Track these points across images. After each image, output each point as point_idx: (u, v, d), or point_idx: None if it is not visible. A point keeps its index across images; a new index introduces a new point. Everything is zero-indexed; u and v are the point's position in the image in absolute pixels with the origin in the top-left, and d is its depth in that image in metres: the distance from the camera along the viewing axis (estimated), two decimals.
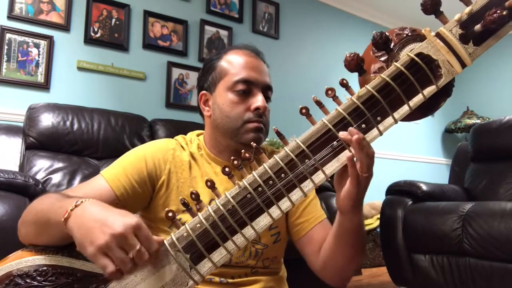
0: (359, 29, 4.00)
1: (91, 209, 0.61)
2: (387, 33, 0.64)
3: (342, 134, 0.62)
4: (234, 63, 0.92)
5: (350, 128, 0.61)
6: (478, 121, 4.17)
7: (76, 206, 0.62)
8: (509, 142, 2.29)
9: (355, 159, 0.63)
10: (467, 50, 0.59)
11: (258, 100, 0.88)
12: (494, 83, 4.45)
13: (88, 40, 2.55)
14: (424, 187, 2.07)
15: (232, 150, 0.91)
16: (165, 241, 0.63)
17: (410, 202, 2.03)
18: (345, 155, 0.63)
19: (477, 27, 0.58)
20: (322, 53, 3.73)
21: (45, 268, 0.64)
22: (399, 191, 2.11)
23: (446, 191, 2.21)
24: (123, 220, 0.57)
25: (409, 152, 4.22)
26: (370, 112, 0.62)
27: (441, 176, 4.18)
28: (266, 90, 0.93)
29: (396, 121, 0.62)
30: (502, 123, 2.35)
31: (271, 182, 0.63)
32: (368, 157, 0.63)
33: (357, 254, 0.82)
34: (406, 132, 4.10)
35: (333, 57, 3.75)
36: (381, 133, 0.62)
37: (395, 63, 0.62)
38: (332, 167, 0.63)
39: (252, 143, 0.66)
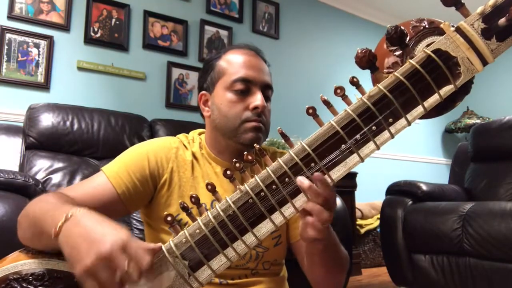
0: (359, 29, 3.99)
1: (81, 223, 0.58)
2: (402, 27, 0.59)
3: (299, 181, 0.59)
4: (233, 62, 0.90)
5: (315, 174, 0.58)
6: (478, 121, 4.17)
7: (66, 219, 0.59)
8: (509, 142, 2.29)
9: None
10: (490, 47, 0.55)
11: (257, 99, 0.86)
12: (494, 83, 4.45)
13: (88, 40, 2.55)
14: (424, 187, 2.07)
15: (232, 151, 0.90)
16: (163, 247, 0.61)
17: (410, 202, 2.03)
18: (353, 159, 0.59)
19: (502, 21, 0.53)
20: (322, 53, 3.73)
21: (41, 272, 0.62)
22: (399, 191, 2.12)
23: (446, 191, 2.21)
24: (111, 237, 0.54)
25: (409, 152, 4.22)
26: (382, 113, 0.57)
27: (441, 176, 4.18)
28: (266, 89, 0.90)
29: (409, 123, 0.58)
30: (502, 123, 2.35)
31: (274, 187, 0.59)
32: (327, 206, 0.60)
33: (331, 273, 0.81)
34: (406, 132, 4.06)
35: (333, 57, 3.75)
36: (392, 136, 0.58)
37: (410, 60, 0.57)
38: (339, 171, 0.60)
39: (255, 144, 0.64)
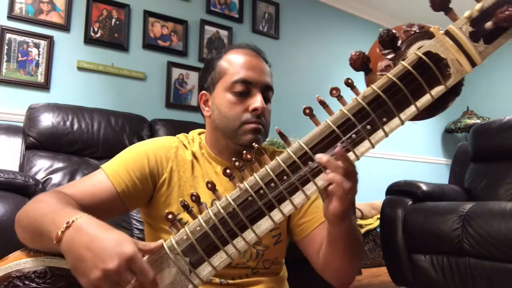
0: (359, 29, 3.99)
1: (83, 232, 0.58)
2: (394, 31, 0.62)
3: (318, 158, 0.61)
4: (233, 63, 0.90)
5: (337, 149, 0.60)
6: (478, 121, 4.17)
7: (67, 227, 0.59)
8: (509, 142, 2.29)
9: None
10: (478, 49, 0.57)
11: (256, 100, 0.87)
12: (494, 83, 4.45)
13: (88, 40, 2.55)
14: (424, 187, 2.07)
15: (232, 151, 0.90)
16: (164, 244, 0.62)
17: (410, 202, 2.03)
18: (349, 157, 0.61)
19: (488, 24, 0.56)
20: (322, 53, 3.73)
21: (43, 270, 0.63)
22: (399, 191, 2.12)
23: (446, 191, 2.21)
24: (116, 252, 0.54)
25: (409, 152, 4.22)
26: (376, 112, 0.60)
27: (441, 176, 4.18)
28: (266, 90, 0.91)
29: (402, 122, 0.60)
30: (502, 123, 2.35)
31: (273, 184, 0.61)
32: (348, 177, 0.62)
33: (351, 259, 0.81)
34: (406, 132, 4.09)
35: (333, 57, 3.75)
36: (386, 135, 0.60)
37: (402, 62, 0.60)
38: None
39: (254, 144, 0.65)
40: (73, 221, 0.59)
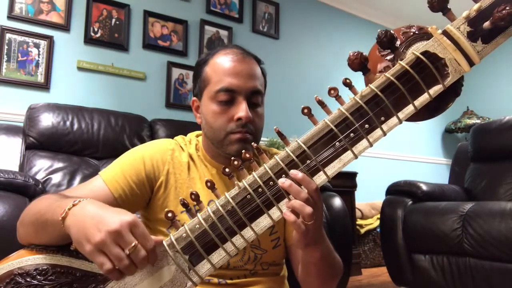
0: (359, 29, 3.99)
1: (88, 207, 0.61)
2: (392, 32, 0.62)
3: (280, 182, 0.60)
4: (216, 70, 0.87)
5: (291, 171, 0.61)
6: (478, 121, 4.17)
7: (73, 205, 0.62)
8: (509, 142, 2.29)
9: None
10: (476, 48, 0.57)
11: (240, 109, 0.83)
12: (494, 83, 4.45)
13: (88, 40, 2.55)
14: (424, 187, 2.07)
15: (224, 157, 0.89)
16: (164, 242, 0.62)
17: (410, 202, 2.04)
18: (348, 156, 0.61)
19: (486, 24, 0.56)
20: (322, 53, 3.73)
21: (45, 267, 0.64)
22: (399, 191, 2.12)
23: (446, 191, 2.21)
24: (118, 217, 0.57)
25: (409, 152, 4.22)
26: (374, 111, 0.60)
27: (441, 176, 4.18)
28: (254, 95, 0.86)
29: (400, 121, 0.60)
30: (502, 123, 2.35)
31: (271, 183, 0.62)
32: (309, 202, 0.61)
33: (324, 283, 0.81)
34: (406, 132, 4.10)
35: (333, 57, 3.75)
36: (384, 134, 0.60)
37: (399, 61, 0.60)
38: (334, 168, 0.61)
39: (253, 143, 0.65)
40: (79, 201, 0.63)
